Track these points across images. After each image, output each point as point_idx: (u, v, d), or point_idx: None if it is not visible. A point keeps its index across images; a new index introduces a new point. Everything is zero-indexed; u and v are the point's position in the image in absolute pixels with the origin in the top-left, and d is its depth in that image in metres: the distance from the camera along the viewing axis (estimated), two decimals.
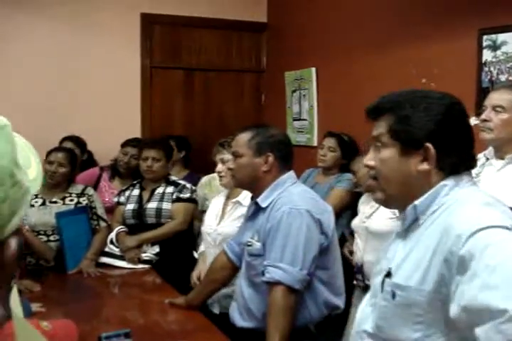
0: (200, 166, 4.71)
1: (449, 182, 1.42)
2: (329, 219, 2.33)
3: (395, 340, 1.42)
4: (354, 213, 3.47)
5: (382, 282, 1.45)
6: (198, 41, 5.37)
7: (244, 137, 2.41)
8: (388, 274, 1.44)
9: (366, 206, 3.21)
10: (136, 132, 4.91)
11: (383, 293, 1.45)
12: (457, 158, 1.42)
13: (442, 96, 1.45)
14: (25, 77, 4.76)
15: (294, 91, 5.09)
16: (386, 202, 1.53)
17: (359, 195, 3.51)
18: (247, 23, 5.47)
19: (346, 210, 3.71)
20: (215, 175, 3.95)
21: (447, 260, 1.27)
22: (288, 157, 2.44)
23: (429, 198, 1.42)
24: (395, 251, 1.49)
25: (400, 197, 1.47)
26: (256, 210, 2.43)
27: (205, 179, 4.07)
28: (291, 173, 2.44)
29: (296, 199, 2.30)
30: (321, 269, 2.28)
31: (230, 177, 2.84)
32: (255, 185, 2.41)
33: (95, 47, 4.99)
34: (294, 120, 5.10)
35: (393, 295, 1.41)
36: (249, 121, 5.24)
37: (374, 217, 3.06)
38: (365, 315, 1.55)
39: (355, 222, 3.26)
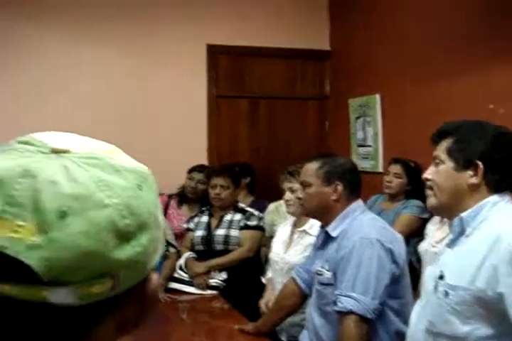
0: (265, 192, 4.76)
1: (492, 198, 1.68)
2: (400, 248, 2.33)
3: (448, 334, 1.64)
4: (421, 240, 3.43)
5: (436, 284, 1.68)
6: (262, 70, 5.48)
7: (312, 166, 2.45)
8: (441, 277, 1.67)
9: (437, 230, 3.17)
10: (202, 160, 5.00)
11: (437, 293, 1.67)
12: (502, 176, 1.70)
13: (496, 127, 1.75)
14: (93, 108, 4.94)
15: (358, 117, 5.10)
16: (437, 208, 1.79)
17: (426, 222, 3.47)
18: (310, 51, 5.54)
19: (413, 237, 3.68)
20: (282, 201, 4.00)
21: (497, 265, 1.52)
22: (356, 185, 2.46)
23: (474, 211, 1.68)
24: (444, 258, 1.75)
25: (449, 205, 1.73)
26: (326, 239, 2.45)
27: (272, 205, 4.11)
28: (360, 202, 2.46)
29: (367, 228, 2.31)
30: (392, 298, 2.27)
31: (298, 206, 2.88)
32: (324, 214, 2.43)
33: (162, 78, 5.14)
34: (359, 146, 5.11)
35: (446, 294, 1.63)
36: (313, 148, 5.30)
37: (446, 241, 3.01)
38: (418, 316, 1.79)
39: (424, 247, 3.21)
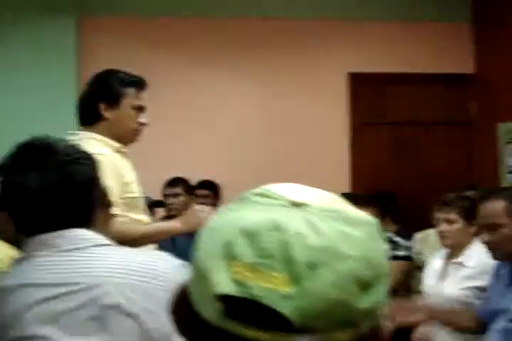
0: (408, 221, 4.66)
1: None
2: None
3: None
4: None
5: None
6: (403, 96, 5.40)
7: (497, 206, 2.29)
8: None
9: None
10: (344, 188, 4.97)
11: None
12: None
13: None
14: (232, 137, 5.10)
15: (508, 143, 4.89)
16: None
17: None
18: (453, 76, 5.41)
19: None
20: (430, 231, 3.89)
21: None
22: None
23: None
24: None
25: None
26: None
27: (420, 235, 4.02)
28: None
29: None
30: None
31: (454, 237, 2.80)
32: None
33: (301, 106, 5.22)
34: (509, 173, 4.88)
35: None
36: (459, 175, 5.14)
37: None
38: None
39: None
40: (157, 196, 4.25)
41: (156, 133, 4.79)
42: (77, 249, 1.23)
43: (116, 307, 1.15)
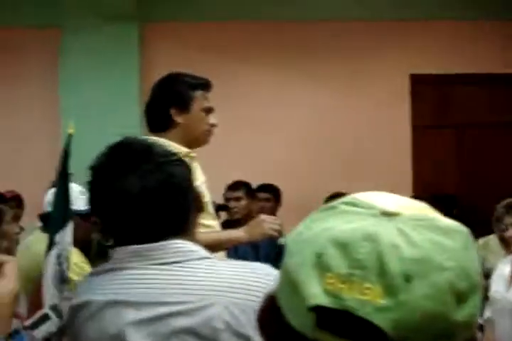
0: (472, 226, 4.55)
1: None
2: None
3: None
4: None
5: None
6: (467, 98, 5.31)
7: None
8: None
9: None
10: (406, 191, 4.89)
11: None
12: None
13: None
14: (292, 140, 5.10)
15: None
16: None
17: None
18: None
19: None
20: (491, 236, 3.79)
21: None
22: None
23: None
24: None
25: None
26: None
27: (482, 240, 3.92)
28: None
29: None
30: None
31: None
32: None
33: (362, 108, 5.18)
34: None
35: None
36: None
37: None
38: None
39: None
40: (219, 200, 4.28)
41: (217, 137, 4.85)
42: (178, 262, 1.14)
43: (228, 329, 1.09)
